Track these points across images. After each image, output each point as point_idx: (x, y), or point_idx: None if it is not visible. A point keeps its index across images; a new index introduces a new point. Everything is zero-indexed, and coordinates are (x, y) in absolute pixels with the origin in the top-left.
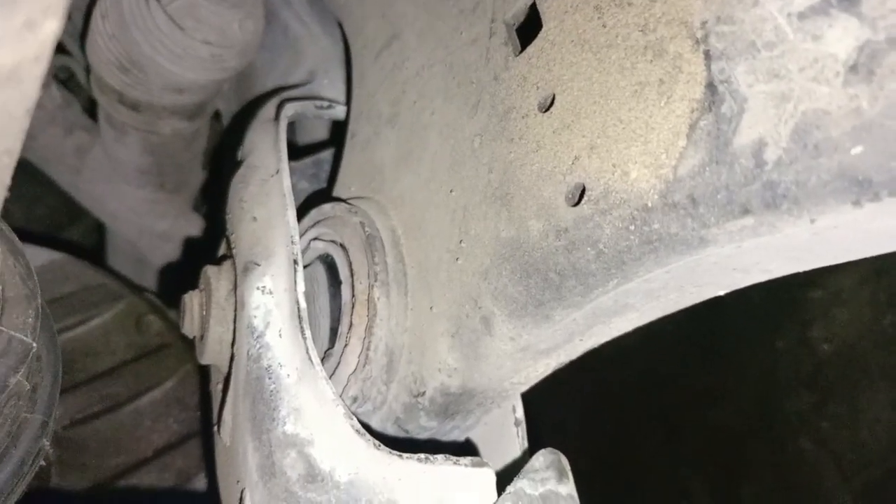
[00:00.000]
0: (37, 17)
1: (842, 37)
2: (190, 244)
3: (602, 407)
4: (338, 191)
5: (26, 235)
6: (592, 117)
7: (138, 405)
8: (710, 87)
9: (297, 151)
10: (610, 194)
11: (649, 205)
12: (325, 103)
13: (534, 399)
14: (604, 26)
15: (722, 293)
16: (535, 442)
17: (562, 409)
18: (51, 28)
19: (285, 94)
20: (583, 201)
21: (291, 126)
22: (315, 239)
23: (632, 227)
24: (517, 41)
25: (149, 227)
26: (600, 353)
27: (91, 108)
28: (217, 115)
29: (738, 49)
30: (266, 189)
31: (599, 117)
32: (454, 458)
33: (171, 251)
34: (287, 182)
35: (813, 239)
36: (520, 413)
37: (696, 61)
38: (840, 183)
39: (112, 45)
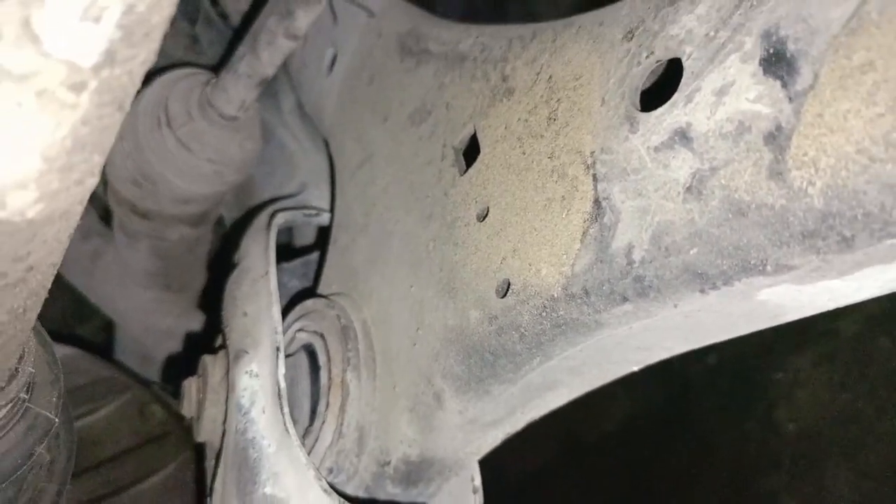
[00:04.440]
0: (85, 176)
1: (681, 165)
2: (191, 339)
3: (584, 491)
4: (321, 288)
5: None
6: (515, 226)
7: (140, 489)
8: (597, 202)
9: (291, 253)
10: (527, 287)
11: (555, 295)
12: (313, 211)
13: (522, 485)
14: (524, 153)
15: (636, 369)
16: None
17: (545, 495)
18: (91, 183)
19: (278, 205)
20: (508, 294)
21: (289, 231)
22: (300, 330)
23: (544, 314)
24: (463, 163)
25: (154, 324)
26: (581, 440)
27: (105, 216)
28: (220, 221)
29: (615, 173)
30: (256, 289)
31: (520, 226)
32: None
33: (174, 346)
34: (274, 283)
35: (687, 321)
36: (477, 482)
37: (587, 182)
38: (686, 276)
39: (128, 164)
